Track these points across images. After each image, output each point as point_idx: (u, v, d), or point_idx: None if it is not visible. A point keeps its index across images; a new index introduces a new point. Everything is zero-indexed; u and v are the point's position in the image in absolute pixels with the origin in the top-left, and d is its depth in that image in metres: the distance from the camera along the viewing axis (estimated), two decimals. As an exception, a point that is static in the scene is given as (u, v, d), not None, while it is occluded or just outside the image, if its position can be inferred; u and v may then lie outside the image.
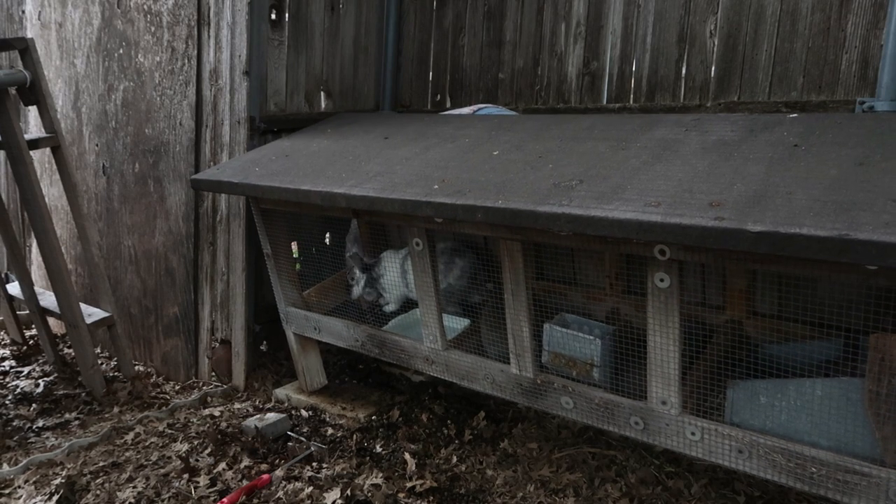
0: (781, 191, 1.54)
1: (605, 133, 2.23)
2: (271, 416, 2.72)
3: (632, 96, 3.04)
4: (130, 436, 2.66)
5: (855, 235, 1.29)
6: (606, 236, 1.72)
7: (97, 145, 3.44)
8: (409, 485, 2.28)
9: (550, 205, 1.72)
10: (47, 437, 2.66)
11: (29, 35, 3.58)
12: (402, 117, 3.05)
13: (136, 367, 3.33)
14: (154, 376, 3.28)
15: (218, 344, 3.16)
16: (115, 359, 3.37)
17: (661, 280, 1.71)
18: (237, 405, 2.96)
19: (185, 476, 2.35)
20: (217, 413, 2.87)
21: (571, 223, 1.66)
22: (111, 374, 3.25)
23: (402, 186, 2.08)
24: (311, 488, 2.26)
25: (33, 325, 3.50)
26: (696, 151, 1.91)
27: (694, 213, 1.51)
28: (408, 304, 2.88)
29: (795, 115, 2.14)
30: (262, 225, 2.78)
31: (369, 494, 2.23)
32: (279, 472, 2.36)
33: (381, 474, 2.34)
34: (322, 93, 3.44)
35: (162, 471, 2.40)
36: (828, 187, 1.52)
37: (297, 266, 3.07)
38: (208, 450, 2.54)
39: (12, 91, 2.95)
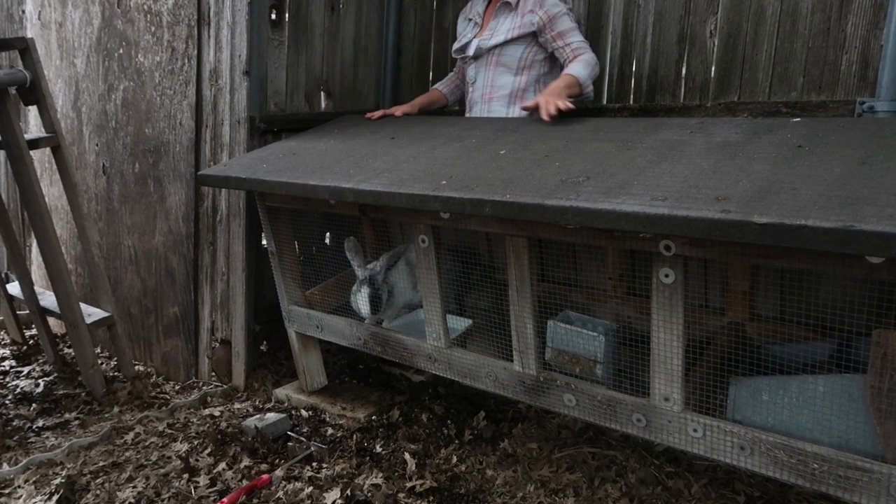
0: (786, 187, 1.56)
1: (610, 134, 2.25)
2: (271, 416, 2.72)
3: (632, 96, 3.05)
4: (130, 436, 2.64)
5: (860, 226, 1.30)
6: (613, 230, 1.73)
7: (97, 145, 3.44)
8: (409, 485, 2.27)
9: (558, 199, 1.73)
10: (47, 437, 2.64)
11: (29, 35, 3.57)
12: (408, 119, 3.06)
13: (136, 367, 3.31)
14: (154, 376, 3.27)
15: (218, 344, 3.15)
16: (115, 359, 3.36)
17: (666, 275, 1.71)
18: (237, 405, 2.95)
19: (185, 476, 2.34)
20: (217, 413, 2.86)
21: (579, 216, 1.67)
22: (111, 374, 3.24)
23: (410, 182, 2.09)
24: (311, 488, 2.25)
25: (33, 325, 3.49)
26: (701, 151, 1.94)
27: (700, 206, 1.53)
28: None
29: (798, 118, 2.16)
30: (267, 223, 2.78)
31: (369, 494, 2.22)
32: (279, 472, 2.35)
33: (381, 474, 2.33)
34: (322, 93, 3.44)
35: (162, 471, 2.38)
36: (832, 184, 1.54)
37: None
38: (208, 450, 2.53)
39: (12, 91, 2.94)
